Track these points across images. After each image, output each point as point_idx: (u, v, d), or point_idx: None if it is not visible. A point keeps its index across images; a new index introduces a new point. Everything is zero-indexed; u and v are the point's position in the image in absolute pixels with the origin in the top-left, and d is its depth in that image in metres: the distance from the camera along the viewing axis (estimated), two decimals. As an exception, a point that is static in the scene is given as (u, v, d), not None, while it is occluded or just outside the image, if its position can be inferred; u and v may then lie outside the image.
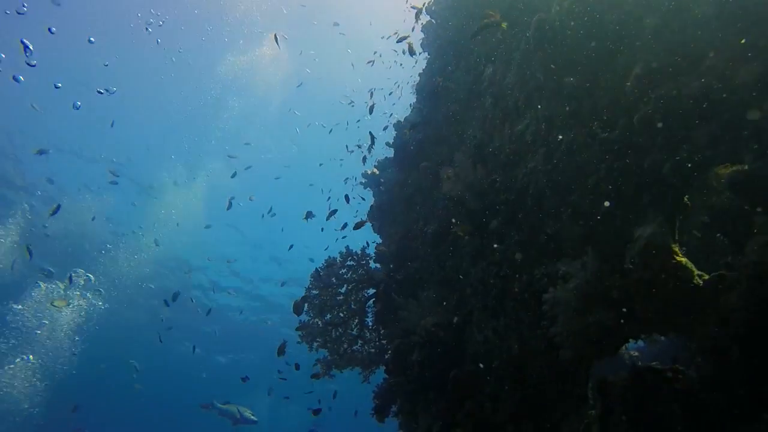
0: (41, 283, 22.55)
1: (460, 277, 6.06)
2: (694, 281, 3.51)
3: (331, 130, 17.47)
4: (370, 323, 7.76)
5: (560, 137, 4.95)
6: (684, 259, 3.62)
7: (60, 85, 16.00)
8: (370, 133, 9.48)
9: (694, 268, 3.57)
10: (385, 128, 10.95)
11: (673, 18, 3.81)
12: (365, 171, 10.88)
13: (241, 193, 20.47)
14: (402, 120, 9.71)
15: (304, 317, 7.70)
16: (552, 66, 5.27)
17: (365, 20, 19.64)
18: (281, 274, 27.61)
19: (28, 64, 11.54)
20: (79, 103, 17.24)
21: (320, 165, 17.13)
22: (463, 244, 6.20)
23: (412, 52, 7.27)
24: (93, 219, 21.23)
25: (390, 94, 12.98)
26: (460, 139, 7.29)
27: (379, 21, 17.79)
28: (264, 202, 21.24)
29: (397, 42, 8.34)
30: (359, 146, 9.73)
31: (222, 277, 30.43)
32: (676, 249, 3.67)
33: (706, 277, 3.48)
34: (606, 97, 4.44)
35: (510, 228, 5.42)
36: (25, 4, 15.58)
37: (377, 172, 10.55)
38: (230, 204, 14.84)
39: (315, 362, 7.66)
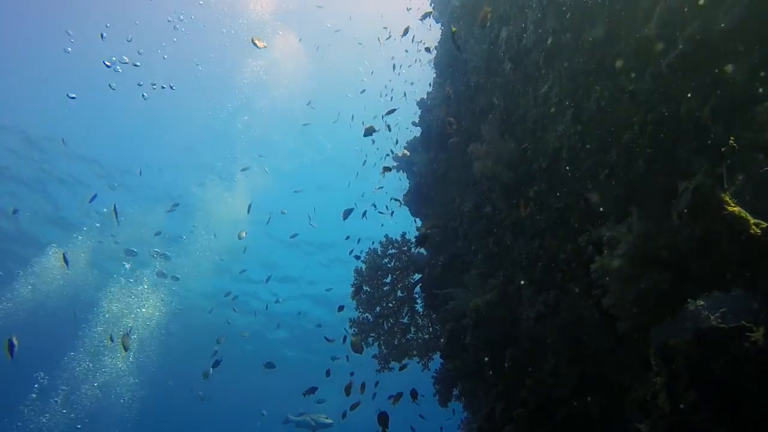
0: (121, 279, 23.71)
1: (503, 252, 5.90)
2: (751, 231, 3.25)
3: (345, 122, 17.28)
4: (421, 309, 7.68)
5: (587, 94, 4.68)
6: (737, 209, 3.35)
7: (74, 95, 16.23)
8: (367, 136, 9.34)
9: (749, 217, 3.30)
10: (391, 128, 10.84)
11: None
12: (395, 154, 10.68)
13: (279, 202, 20.69)
14: (425, 97, 9.48)
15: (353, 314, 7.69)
16: (568, 19, 4.97)
17: (377, 14, 19.30)
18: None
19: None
20: (145, 94, 17.53)
21: (363, 164, 16.78)
22: (503, 218, 6.02)
23: (428, 49, 7.10)
24: (157, 234, 21.56)
25: (412, 84, 12.77)
26: (485, 111, 7.04)
27: (388, 12, 17.54)
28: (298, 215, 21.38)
29: (386, 38, 8.15)
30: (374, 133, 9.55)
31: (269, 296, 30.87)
32: (727, 198, 3.40)
33: (764, 225, 3.21)
34: (630, 46, 4.14)
35: (548, 196, 5.21)
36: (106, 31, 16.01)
37: (408, 154, 10.35)
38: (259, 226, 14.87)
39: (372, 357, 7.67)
